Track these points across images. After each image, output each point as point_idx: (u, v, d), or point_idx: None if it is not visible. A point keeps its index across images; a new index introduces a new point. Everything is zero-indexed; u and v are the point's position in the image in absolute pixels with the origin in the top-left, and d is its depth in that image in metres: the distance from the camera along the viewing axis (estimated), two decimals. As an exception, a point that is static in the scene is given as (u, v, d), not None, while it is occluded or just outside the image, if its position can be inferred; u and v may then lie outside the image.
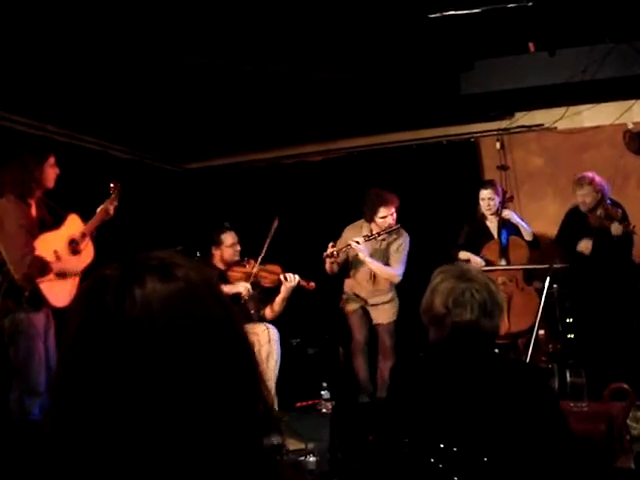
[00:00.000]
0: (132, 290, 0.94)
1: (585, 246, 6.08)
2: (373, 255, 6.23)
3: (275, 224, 6.08)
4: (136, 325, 0.92)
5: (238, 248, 6.11)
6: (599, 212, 6.03)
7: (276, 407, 5.70)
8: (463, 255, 6.38)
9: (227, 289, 5.75)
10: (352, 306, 6.43)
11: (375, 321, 6.38)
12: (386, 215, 6.16)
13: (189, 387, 0.92)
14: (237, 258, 6.10)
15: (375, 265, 6.23)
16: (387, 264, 6.30)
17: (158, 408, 0.90)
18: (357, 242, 6.10)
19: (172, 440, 0.90)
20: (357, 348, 6.41)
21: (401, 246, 6.33)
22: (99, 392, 0.91)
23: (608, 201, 6.05)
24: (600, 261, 6.02)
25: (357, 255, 6.20)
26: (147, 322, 0.93)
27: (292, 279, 5.96)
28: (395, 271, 6.28)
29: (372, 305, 6.37)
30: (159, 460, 0.90)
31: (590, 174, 6.11)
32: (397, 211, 6.23)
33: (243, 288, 5.83)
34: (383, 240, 6.28)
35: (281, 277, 5.99)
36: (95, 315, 0.94)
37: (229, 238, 6.09)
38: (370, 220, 6.26)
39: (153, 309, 0.93)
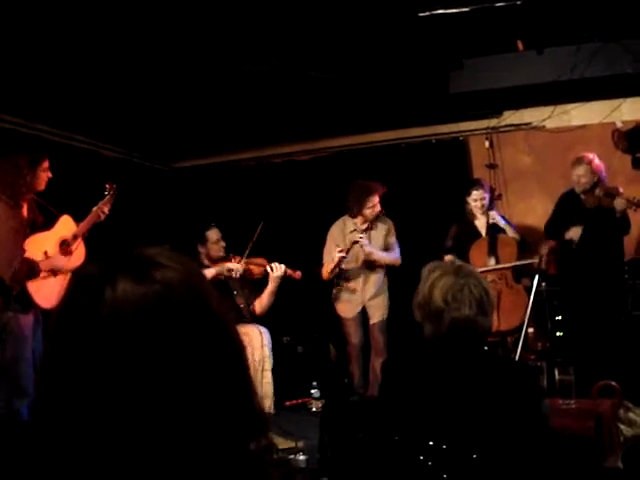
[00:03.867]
0: (104, 291, 0.93)
1: (575, 233, 6.04)
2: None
3: (259, 228, 6.08)
4: (107, 326, 0.91)
5: (223, 244, 6.12)
6: (597, 192, 6.00)
7: (272, 407, 5.71)
8: (448, 259, 6.39)
9: (219, 268, 5.85)
10: (347, 311, 6.38)
11: (372, 320, 6.35)
12: (375, 203, 6.19)
13: (166, 387, 0.91)
14: (222, 254, 6.10)
15: (379, 255, 6.25)
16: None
17: (135, 408, 0.90)
18: (360, 237, 6.12)
19: (153, 440, 0.89)
20: (353, 353, 6.37)
21: (392, 231, 6.39)
22: (77, 391, 0.90)
23: (605, 183, 6.04)
24: (591, 250, 6.00)
25: (357, 250, 6.21)
26: (118, 324, 0.91)
27: (278, 268, 5.95)
28: (397, 255, 6.34)
29: (369, 300, 6.35)
30: (140, 459, 0.89)
31: (591, 155, 6.09)
32: (381, 198, 6.25)
33: (235, 267, 5.86)
34: (372, 230, 6.32)
35: (267, 268, 5.97)
36: (71, 314, 0.94)
37: (213, 234, 6.11)
38: (358, 212, 6.25)
39: (123, 311, 0.92)
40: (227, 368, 0.97)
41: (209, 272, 5.77)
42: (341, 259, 6.13)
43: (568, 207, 6.19)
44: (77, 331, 0.92)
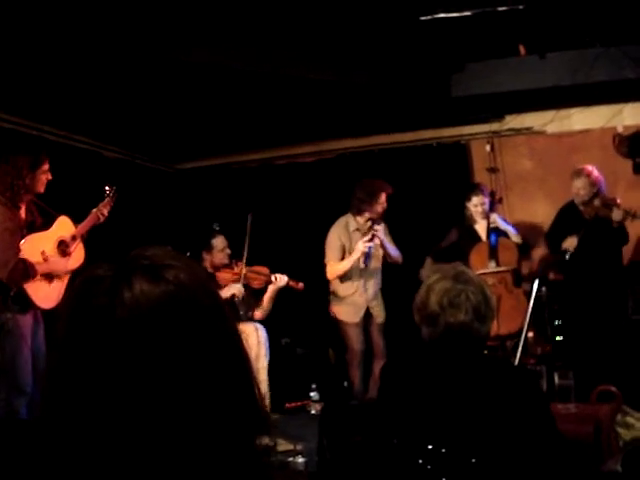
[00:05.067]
0: (121, 292, 0.94)
1: (570, 243, 6.07)
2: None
3: (250, 221, 6.04)
4: (126, 327, 0.92)
5: (228, 252, 6.10)
6: (596, 202, 6.04)
7: (268, 408, 5.73)
8: (428, 262, 6.42)
9: (221, 294, 5.77)
10: (351, 315, 6.28)
11: (377, 320, 6.30)
12: (384, 201, 6.17)
13: (180, 387, 0.92)
14: (226, 262, 6.10)
15: (390, 249, 6.24)
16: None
17: (149, 409, 0.90)
18: (376, 229, 6.09)
19: (163, 441, 0.90)
20: (355, 360, 6.27)
21: (388, 231, 6.36)
22: (89, 392, 0.91)
23: (604, 194, 6.07)
24: (590, 258, 6.02)
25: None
26: (136, 324, 0.92)
27: (281, 279, 5.95)
28: (399, 253, 6.34)
29: (372, 300, 6.29)
30: (149, 459, 0.90)
31: (590, 167, 6.11)
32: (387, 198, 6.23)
33: (236, 290, 5.81)
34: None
35: (271, 278, 5.98)
36: (85, 316, 0.94)
37: (220, 243, 6.09)
38: (368, 208, 6.16)
39: (142, 311, 0.93)
40: (232, 366, 0.98)
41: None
42: (369, 249, 6.05)
43: (568, 218, 6.23)
44: (92, 333, 0.93)
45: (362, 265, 6.13)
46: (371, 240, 6.03)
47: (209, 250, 6.05)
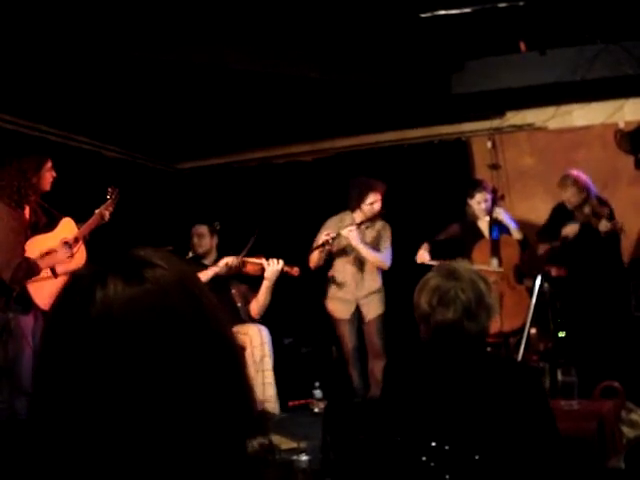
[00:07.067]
0: (95, 291, 0.93)
1: (571, 230, 6.08)
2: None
3: (254, 236, 6.04)
4: (97, 327, 0.91)
5: (202, 241, 6.21)
6: (586, 210, 6.05)
7: (277, 409, 5.72)
8: (422, 249, 6.37)
9: (210, 272, 5.84)
10: (341, 312, 6.29)
11: (367, 318, 6.26)
12: (374, 201, 6.11)
13: (157, 388, 0.91)
14: (202, 252, 6.19)
15: (366, 251, 6.11)
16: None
17: (126, 408, 0.89)
18: (350, 230, 6.01)
19: (144, 441, 0.89)
20: (349, 356, 6.28)
21: (388, 234, 6.29)
22: (69, 391, 0.90)
23: (594, 199, 6.07)
24: (589, 256, 6.03)
25: (347, 244, 6.12)
26: (108, 324, 0.91)
27: (275, 263, 5.89)
28: (385, 257, 6.21)
29: (362, 298, 6.26)
30: (130, 461, 0.89)
31: (574, 172, 6.10)
32: (383, 198, 6.16)
33: (229, 259, 5.84)
34: (367, 228, 6.21)
35: (264, 262, 5.92)
36: (62, 314, 0.94)
37: (196, 230, 6.25)
38: (356, 208, 6.17)
39: (113, 312, 0.92)
40: (221, 370, 0.96)
41: (206, 275, 5.75)
42: (326, 242, 6.02)
43: (561, 219, 6.22)
44: (68, 331, 0.92)
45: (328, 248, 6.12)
46: (334, 238, 6.01)
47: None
